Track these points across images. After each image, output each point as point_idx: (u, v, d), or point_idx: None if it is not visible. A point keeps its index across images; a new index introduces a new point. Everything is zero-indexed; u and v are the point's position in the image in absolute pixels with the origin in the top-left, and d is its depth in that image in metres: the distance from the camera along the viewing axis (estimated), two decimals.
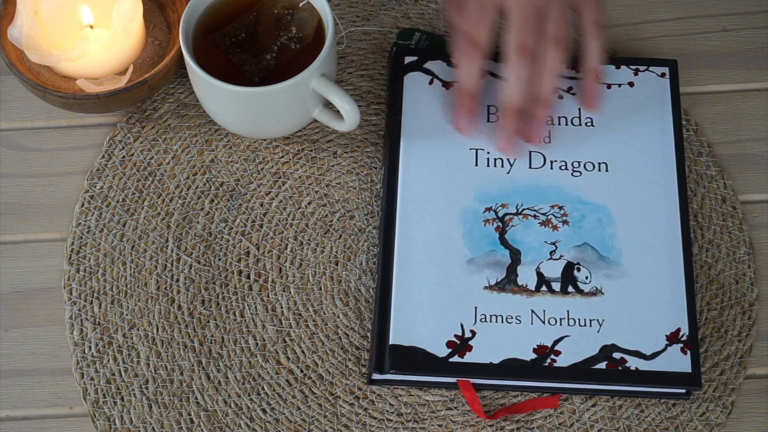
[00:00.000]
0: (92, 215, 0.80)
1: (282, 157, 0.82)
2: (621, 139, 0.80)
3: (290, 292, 0.77)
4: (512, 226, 0.76)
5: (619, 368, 0.71)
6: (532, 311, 0.73)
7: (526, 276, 0.75)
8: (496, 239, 0.76)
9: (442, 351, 0.72)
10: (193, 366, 0.74)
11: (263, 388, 0.74)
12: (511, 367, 0.71)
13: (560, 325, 0.73)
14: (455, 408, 0.73)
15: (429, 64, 0.83)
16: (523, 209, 0.77)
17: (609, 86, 0.82)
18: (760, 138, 0.83)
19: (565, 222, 0.77)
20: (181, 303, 0.76)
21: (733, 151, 0.83)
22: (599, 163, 0.79)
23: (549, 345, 0.72)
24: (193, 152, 0.82)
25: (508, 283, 0.74)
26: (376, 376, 0.73)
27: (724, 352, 0.75)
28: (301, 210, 0.80)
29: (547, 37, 0.75)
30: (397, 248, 0.75)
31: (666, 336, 0.73)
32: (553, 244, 0.76)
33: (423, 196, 0.77)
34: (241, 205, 0.80)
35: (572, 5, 0.76)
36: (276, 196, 0.80)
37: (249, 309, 0.76)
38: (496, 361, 0.72)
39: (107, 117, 0.84)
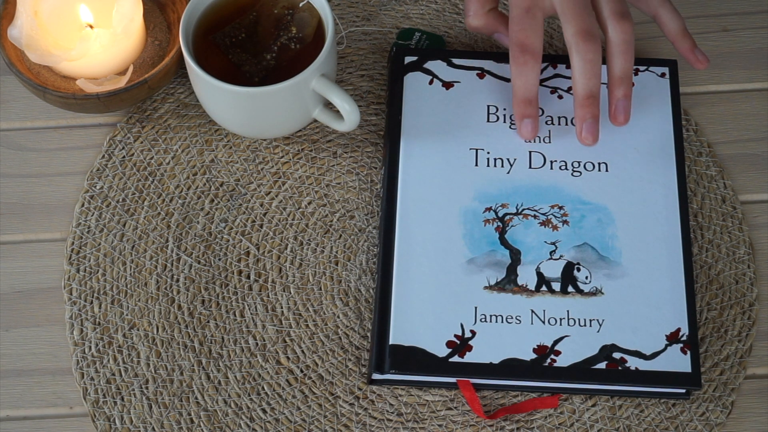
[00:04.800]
0: (92, 215, 0.80)
1: (282, 157, 0.82)
2: (621, 139, 0.80)
3: (290, 292, 0.77)
4: (512, 226, 0.76)
5: (619, 368, 0.71)
6: (532, 311, 0.73)
7: (526, 276, 0.75)
8: (496, 239, 0.76)
9: (442, 351, 0.72)
10: (193, 366, 0.74)
11: (263, 388, 0.74)
12: (511, 367, 0.72)
13: (560, 325, 0.73)
14: (455, 408, 0.73)
15: (429, 64, 0.83)
16: (523, 209, 0.77)
17: None
18: (760, 138, 0.83)
19: (565, 222, 0.77)
20: (181, 303, 0.76)
21: (733, 151, 0.83)
22: (599, 163, 0.79)
23: (549, 345, 0.72)
24: (193, 152, 0.82)
25: (508, 283, 0.74)
26: (376, 376, 0.73)
27: (724, 352, 0.75)
28: (301, 210, 0.80)
29: (604, 15, 0.74)
30: (397, 248, 0.75)
31: (666, 336, 0.73)
32: (553, 244, 0.76)
33: (423, 196, 0.77)
34: (241, 205, 0.80)
35: None
36: (276, 196, 0.80)
37: (249, 309, 0.76)
38: (496, 361, 0.72)
39: (107, 117, 0.84)
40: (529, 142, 0.79)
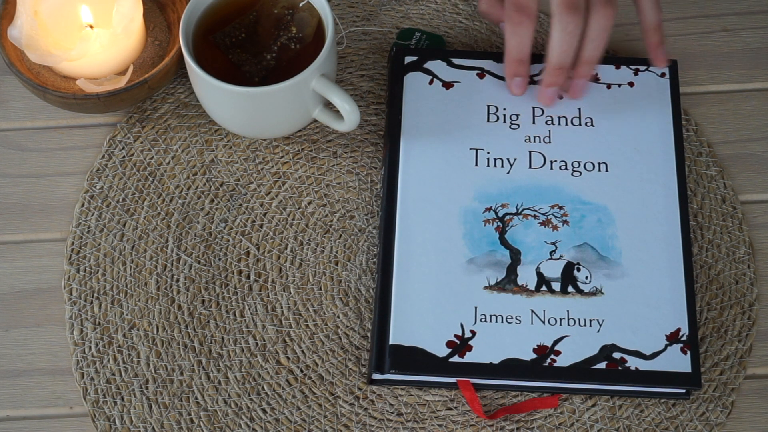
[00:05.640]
0: (92, 215, 0.80)
1: (282, 157, 0.82)
2: (621, 139, 0.80)
3: (290, 292, 0.77)
4: (512, 226, 0.76)
5: (619, 368, 0.71)
6: (532, 311, 0.73)
7: (526, 276, 0.75)
8: (496, 239, 0.76)
9: (442, 351, 0.72)
10: (193, 366, 0.74)
11: (263, 388, 0.74)
12: (511, 367, 0.72)
13: (560, 325, 0.73)
14: (455, 408, 0.73)
15: (429, 64, 0.83)
16: (523, 209, 0.77)
17: (609, 86, 0.82)
18: (760, 138, 0.83)
19: (565, 222, 0.77)
20: (181, 303, 0.76)
21: (733, 151, 0.83)
22: (599, 163, 0.79)
23: (549, 345, 0.72)
24: (193, 152, 0.82)
25: (508, 283, 0.74)
26: (376, 376, 0.73)
27: (724, 352, 0.75)
28: (301, 210, 0.80)
29: None
30: (397, 248, 0.75)
31: (666, 336, 0.73)
32: (553, 244, 0.76)
33: (423, 196, 0.77)
34: (241, 205, 0.80)
35: None
36: (276, 196, 0.80)
37: (249, 309, 0.76)
38: (496, 361, 0.72)
39: (107, 117, 0.84)
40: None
